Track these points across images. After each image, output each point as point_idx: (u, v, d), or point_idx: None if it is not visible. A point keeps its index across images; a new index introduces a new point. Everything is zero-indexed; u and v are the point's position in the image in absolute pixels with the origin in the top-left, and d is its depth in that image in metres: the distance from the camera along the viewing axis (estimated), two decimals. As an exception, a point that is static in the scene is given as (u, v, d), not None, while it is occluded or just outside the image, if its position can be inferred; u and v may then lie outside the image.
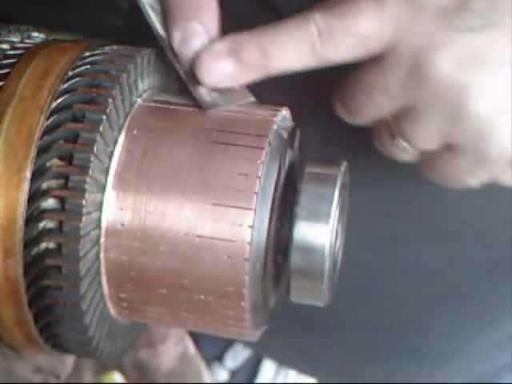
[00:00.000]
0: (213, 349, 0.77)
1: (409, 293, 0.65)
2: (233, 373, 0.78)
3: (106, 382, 0.66)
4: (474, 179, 0.47)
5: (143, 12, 0.45)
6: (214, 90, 0.44)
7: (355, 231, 0.50)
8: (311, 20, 0.43)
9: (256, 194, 0.41)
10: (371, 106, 0.46)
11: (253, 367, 0.78)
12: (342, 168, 0.44)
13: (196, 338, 0.72)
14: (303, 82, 0.49)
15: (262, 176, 0.42)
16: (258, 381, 0.77)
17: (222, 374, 0.77)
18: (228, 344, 0.77)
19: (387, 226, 0.62)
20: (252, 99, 0.45)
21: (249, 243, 0.41)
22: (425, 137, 0.45)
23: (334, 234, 0.42)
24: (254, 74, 0.44)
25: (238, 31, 0.44)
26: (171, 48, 0.44)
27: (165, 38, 0.45)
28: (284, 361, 0.77)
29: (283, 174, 0.43)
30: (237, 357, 0.78)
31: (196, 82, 0.44)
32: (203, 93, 0.44)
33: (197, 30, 0.43)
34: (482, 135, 0.44)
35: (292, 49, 0.43)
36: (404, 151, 0.47)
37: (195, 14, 0.44)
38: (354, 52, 0.44)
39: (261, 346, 0.76)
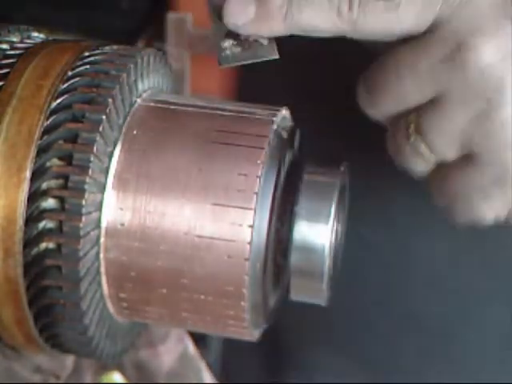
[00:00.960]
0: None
1: (427, 295, 0.64)
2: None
3: (105, 382, 0.66)
4: (489, 207, 0.43)
5: None
6: (239, 44, 0.44)
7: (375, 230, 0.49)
8: None
9: (256, 194, 0.41)
10: (397, 91, 0.43)
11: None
12: (342, 168, 0.44)
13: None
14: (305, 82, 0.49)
15: (262, 176, 0.42)
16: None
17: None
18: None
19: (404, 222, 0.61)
20: (276, 56, 0.44)
21: (249, 243, 0.41)
22: (446, 137, 0.42)
23: (333, 234, 0.42)
24: (277, 26, 0.42)
25: None
26: None
27: None
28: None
29: (283, 174, 0.43)
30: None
31: (222, 31, 0.43)
32: (225, 45, 0.44)
33: None
34: (507, 146, 0.41)
35: (318, 5, 0.41)
36: (419, 157, 0.44)
37: None
38: (388, 25, 0.41)
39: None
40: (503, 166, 0.41)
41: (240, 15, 0.42)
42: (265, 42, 0.44)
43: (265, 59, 0.44)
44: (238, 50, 0.44)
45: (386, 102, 0.44)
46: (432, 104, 0.42)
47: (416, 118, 0.43)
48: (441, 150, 0.43)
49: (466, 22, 0.40)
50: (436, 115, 0.42)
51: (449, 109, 0.41)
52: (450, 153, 0.43)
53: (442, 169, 0.44)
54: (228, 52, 0.44)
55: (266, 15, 0.42)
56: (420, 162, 0.44)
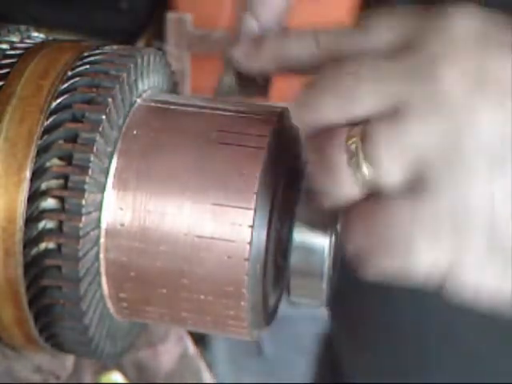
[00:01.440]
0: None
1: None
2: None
3: (105, 381, 0.66)
4: (429, 250, 0.36)
5: None
6: (238, 80, 0.47)
7: None
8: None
9: (256, 194, 0.41)
10: (351, 93, 0.37)
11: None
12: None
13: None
14: None
15: (262, 176, 0.42)
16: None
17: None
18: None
19: None
20: (265, 97, 0.48)
21: (249, 243, 0.41)
22: (397, 154, 0.36)
23: (333, 235, 0.42)
24: (266, 64, 0.45)
25: None
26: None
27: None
28: None
29: (283, 173, 0.43)
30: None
31: (231, 66, 0.47)
32: (226, 80, 0.47)
33: (250, 16, 0.47)
34: (475, 173, 0.36)
35: (300, 40, 0.43)
36: (353, 177, 0.37)
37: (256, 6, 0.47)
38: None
39: None
40: (463, 196, 0.36)
41: (239, 51, 0.46)
42: (260, 82, 0.47)
43: (255, 97, 0.48)
44: (235, 85, 0.47)
45: (330, 105, 0.38)
46: (385, 116, 0.37)
47: (362, 129, 0.37)
48: (387, 169, 0.36)
49: (445, 42, 0.37)
50: (389, 127, 0.36)
51: (407, 122, 0.36)
52: (397, 174, 0.36)
53: (373, 198, 0.37)
54: (226, 86, 0.47)
55: (257, 52, 0.45)
56: (351, 185, 0.37)
